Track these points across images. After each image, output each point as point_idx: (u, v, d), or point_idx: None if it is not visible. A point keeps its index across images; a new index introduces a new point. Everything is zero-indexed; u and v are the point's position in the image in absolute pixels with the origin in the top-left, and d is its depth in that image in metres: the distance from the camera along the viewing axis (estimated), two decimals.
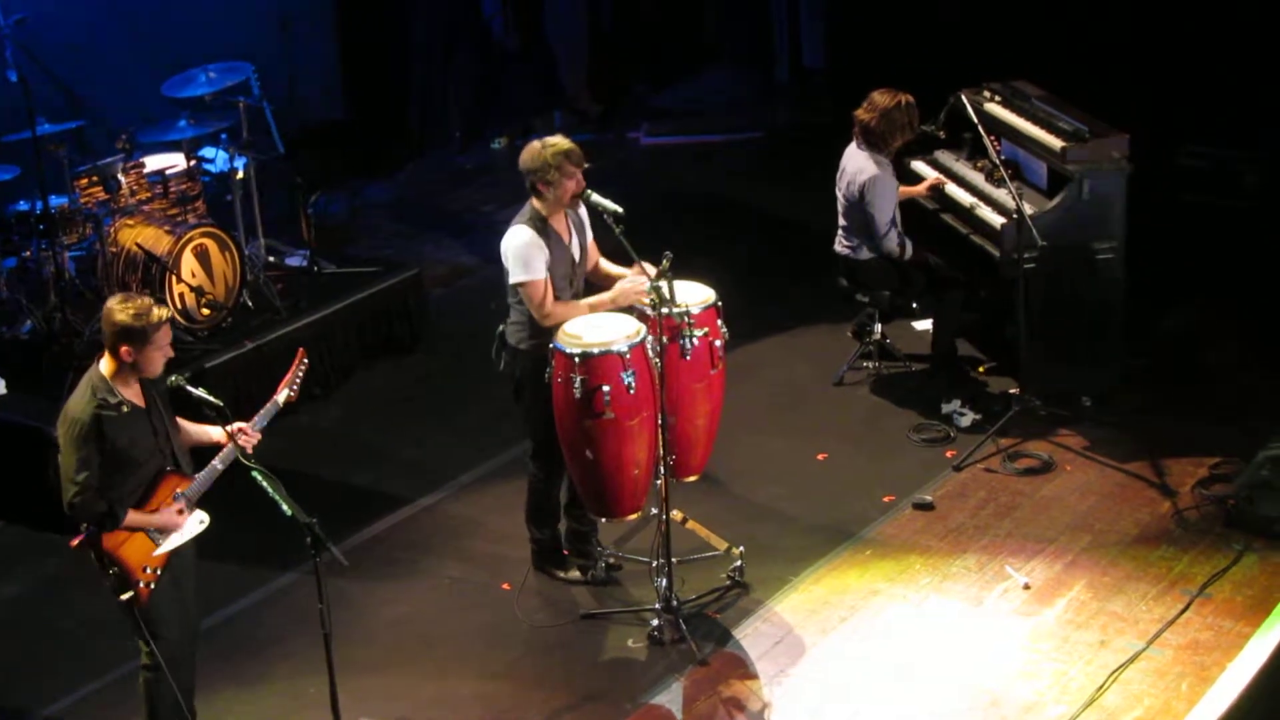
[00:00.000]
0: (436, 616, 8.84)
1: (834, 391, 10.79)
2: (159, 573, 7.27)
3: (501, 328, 8.68)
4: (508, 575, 9.06)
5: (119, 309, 7.06)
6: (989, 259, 10.22)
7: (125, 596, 7.20)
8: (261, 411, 7.47)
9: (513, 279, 8.43)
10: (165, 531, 7.26)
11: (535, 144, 8.43)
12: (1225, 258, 11.87)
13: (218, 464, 7.36)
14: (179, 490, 7.29)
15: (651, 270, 8.17)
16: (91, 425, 7.02)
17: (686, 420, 8.49)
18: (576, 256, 8.60)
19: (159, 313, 7.12)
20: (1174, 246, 11.83)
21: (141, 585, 7.22)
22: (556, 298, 8.45)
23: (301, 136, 13.50)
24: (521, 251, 8.37)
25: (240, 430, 7.32)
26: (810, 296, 11.73)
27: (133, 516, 7.17)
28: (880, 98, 10.26)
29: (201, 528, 7.39)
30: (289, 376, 7.64)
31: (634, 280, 8.44)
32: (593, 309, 8.50)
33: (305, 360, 7.73)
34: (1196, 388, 10.48)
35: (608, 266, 8.82)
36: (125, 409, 7.10)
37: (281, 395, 7.58)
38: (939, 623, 8.50)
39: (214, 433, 7.49)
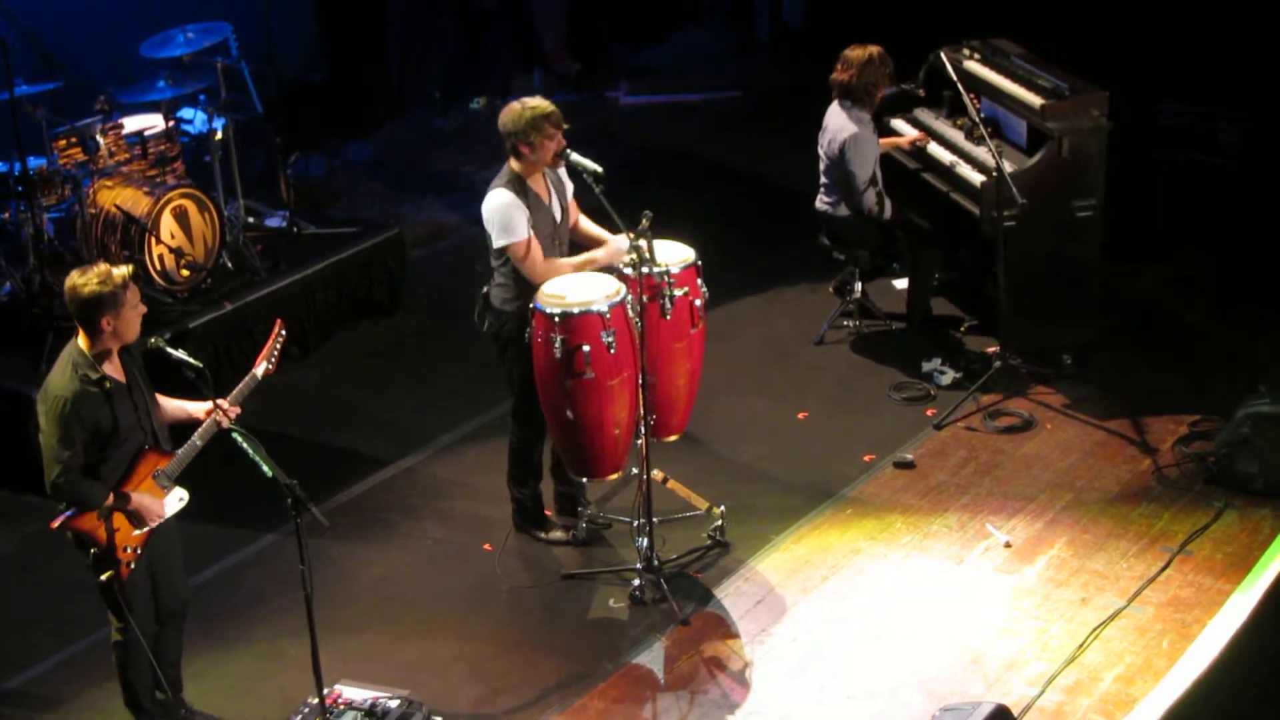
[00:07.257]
0: (418, 577, 8.84)
1: (814, 350, 10.78)
2: (139, 551, 7.24)
3: (486, 289, 8.65)
4: (489, 536, 9.07)
5: (83, 284, 6.96)
6: (969, 217, 10.21)
7: (105, 576, 7.13)
8: (240, 386, 7.40)
9: (496, 243, 8.40)
10: (144, 514, 7.22)
11: (515, 105, 8.40)
12: (1204, 215, 11.88)
13: (197, 440, 7.29)
14: (159, 468, 7.23)
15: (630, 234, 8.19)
16: (75, 402, 6.92)
17: (667, 380, 8.48)
18: (558, 216, 8.57)
19: (121, 272, 7.04)
20: (1153, 204, 11.85)
21: (123, 565, 7.18)
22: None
23: (280, 97, 13.43)
24: (501, 214, 8.35)
25: (219, 406, 7.26)
26: (790, 256, 11.72)
27: (114, 498, 7.10)
28: (852, 54, 10.26)
29: (181, 505, 7.36)
30: (267, 349, 7.52)
31: (620, 241, 8.42)
32: (577, 269, 8.48)
33: (283, 332, 7.62)
34: (1176, 345, 10.51)
35: (587, 225, 8.80)
36: (108, 384, 7.01)
37: (260, 369, 7.48)
38: (920, 581, 8.52)
39: (193, 409, 7.43)
